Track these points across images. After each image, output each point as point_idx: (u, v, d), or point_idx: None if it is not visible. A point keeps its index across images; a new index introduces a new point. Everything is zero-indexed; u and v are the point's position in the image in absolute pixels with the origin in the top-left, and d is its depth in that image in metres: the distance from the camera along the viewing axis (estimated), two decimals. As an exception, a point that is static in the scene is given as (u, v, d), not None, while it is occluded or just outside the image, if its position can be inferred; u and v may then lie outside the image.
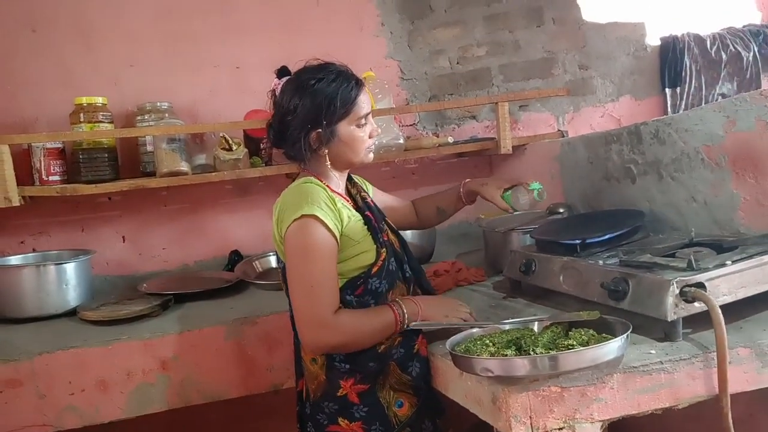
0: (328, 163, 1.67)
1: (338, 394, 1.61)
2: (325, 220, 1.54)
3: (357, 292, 1.62)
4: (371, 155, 1.74)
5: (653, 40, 3.42)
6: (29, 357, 1.89)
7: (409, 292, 1.73)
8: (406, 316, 1.59)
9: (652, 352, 1.38)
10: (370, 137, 1.71)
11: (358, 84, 1.68)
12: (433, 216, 2.07)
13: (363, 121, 1.68)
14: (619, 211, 2.12)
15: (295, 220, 1.53)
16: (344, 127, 1.65)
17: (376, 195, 1.92)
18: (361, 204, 1.76)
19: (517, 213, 1.97)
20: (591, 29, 3.30)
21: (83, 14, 2.68)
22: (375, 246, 1.65)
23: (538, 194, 1.88)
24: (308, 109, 1.61)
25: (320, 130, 1.62)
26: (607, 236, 1.83)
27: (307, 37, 2.89)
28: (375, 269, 1.63)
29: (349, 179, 1.81)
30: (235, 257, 2.74)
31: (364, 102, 1.68)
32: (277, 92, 1.71)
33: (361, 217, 1.68)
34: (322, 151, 1.65)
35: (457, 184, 2.01)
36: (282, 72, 1.73)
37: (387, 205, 1.96)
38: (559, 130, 3.01)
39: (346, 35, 2.97)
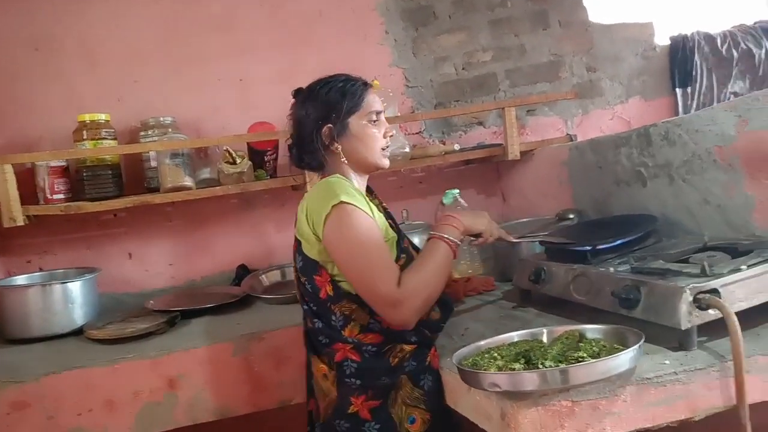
0: (344, 159, 1.66)
1: (349, 411, 1.58)
2: (361, 207, 1.54)
3: None
4: (387, 160, 1.73)
5: (662, 39, 3.36)
6: (36, 378, 1.87)
7: None
8: (452, 238, 1.59)
9: (666, 362, 1.34)
10: (384, 137, 1.71)
11: (365, 84, 1.71)
12: None
13: (374, 117, 1.68)
14: (631, 215, 2.07)
15: (333, 206, 1.51)
16: (355, 122, 1.66)
17: None
18: (382, 212, 1.74)
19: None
20: (598, 31, 3.25)
21: (86, 33, 2.67)
22: (396, 251, 1.62)
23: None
24: (319, 107, 1.65)
25: (331, 124, 1.64)
26: (618, 242, 1.79)
27: (311, 48, 2.88)
28: None
29: (369, 190, 1.79)
30: (242, 271, 2.71)
31: (374, 100, 1.70)
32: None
33: (386, 220, 1.68)
34: (335, 147, 1.65)
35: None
36: (297, 92, 1.75)
37: None
38: (567, 135, 2.96)
39: (350, 45, 2.94)
